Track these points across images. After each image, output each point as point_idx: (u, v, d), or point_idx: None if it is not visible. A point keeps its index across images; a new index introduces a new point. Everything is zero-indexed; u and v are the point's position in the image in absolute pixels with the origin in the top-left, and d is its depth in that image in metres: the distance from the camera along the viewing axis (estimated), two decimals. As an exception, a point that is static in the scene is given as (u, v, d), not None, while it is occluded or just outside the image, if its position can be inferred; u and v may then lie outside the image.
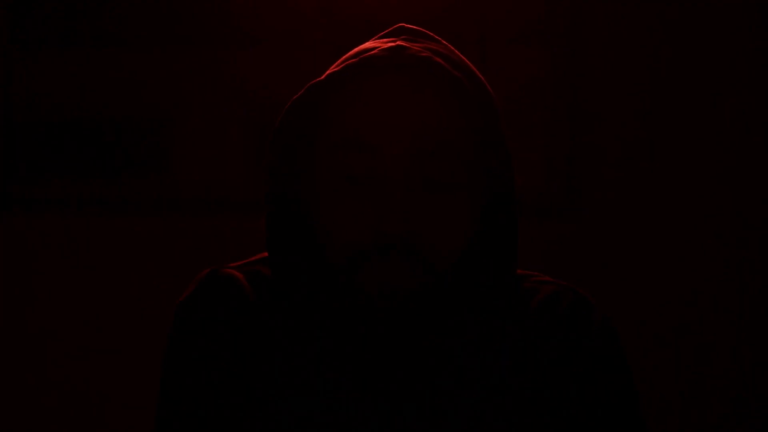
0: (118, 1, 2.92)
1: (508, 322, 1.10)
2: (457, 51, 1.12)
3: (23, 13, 2.91)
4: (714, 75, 2.75)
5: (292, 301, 1.09)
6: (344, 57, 1.12)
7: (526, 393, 1.06)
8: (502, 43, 2.85)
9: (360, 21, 2.81)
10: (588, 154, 2.76)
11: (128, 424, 2.69)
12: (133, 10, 2.91)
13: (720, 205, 2.73)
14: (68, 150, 2.91)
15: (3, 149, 2.86)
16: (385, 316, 1.04)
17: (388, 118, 1.04)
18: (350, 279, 1.04)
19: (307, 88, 1.09)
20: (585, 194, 2.75)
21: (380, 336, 1.05)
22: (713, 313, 2.73)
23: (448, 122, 1.06)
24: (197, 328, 1.09)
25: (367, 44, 1.11)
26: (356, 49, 1.11)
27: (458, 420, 1.04)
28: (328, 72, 1.10)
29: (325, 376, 1.05)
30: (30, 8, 2.91)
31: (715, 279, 2.74)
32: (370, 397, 1.04)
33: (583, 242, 2.73)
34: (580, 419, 1.07)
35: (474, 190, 1.07)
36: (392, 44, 1.08)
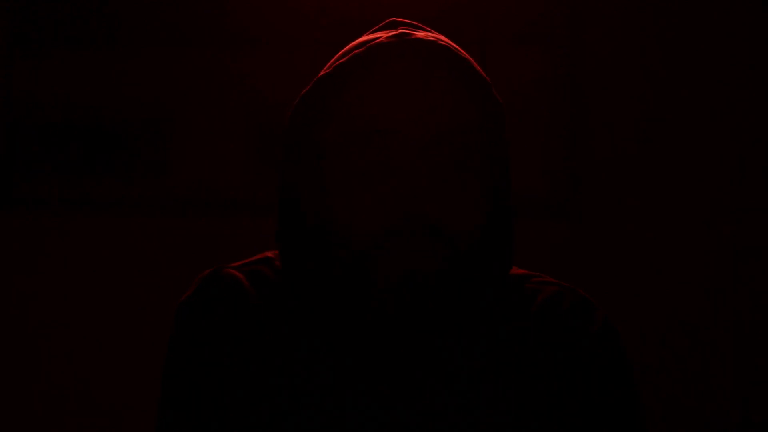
0: (118, 3, 2.92)
1: (510, 322, 1.10)
2: (449, 41, 1.13)
3: (25, 14, 2.91)
4: (714, 75, 2.75)
5: (299, 300, 1.09)
6: (346, 49, 1.11)
7: (528, 392, 1.06)
8: (502, 43, 2.85)
9: (359, 21, 2.81)
10: (588, 154, 2.76)
11: (129, 424, 2.69)
12: (132, 12, 2.91)
13: (720, 204, 2.73)
14: (69, 150, 2.91)
15: (4, 149, 2.86)
16: (402, 304, 1.03)
17: (402, 102, 1.05)
18: (371, 264, 1.03)
19: (315, 81, 1.09)
20: (585, 194, 2.75)
21: (389, 334, 1.05)
22: (713, 313, 2.73)
23: (460, 104, 1.06)
24: (198, 328, 1.09)
25: (366, 37, 1.11)
26: (357, 42, 1.11)
27: (464, 419, 1.04)
28: (333, 64, 1.10)
29: (330, 376, 1.05)
30: (31, 10, 2.92)
31: (715, 278, 2.74)
32: (376, 398, 1.04)
33: (582, 242, 2.73)
34: (582, 419, 1.07)
35: (483, 174, 1.07)
36: (395, 32, 1.08)
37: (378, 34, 1.10)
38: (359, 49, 1.08)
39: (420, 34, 1.08)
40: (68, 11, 2.92)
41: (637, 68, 2.76)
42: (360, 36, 1.14)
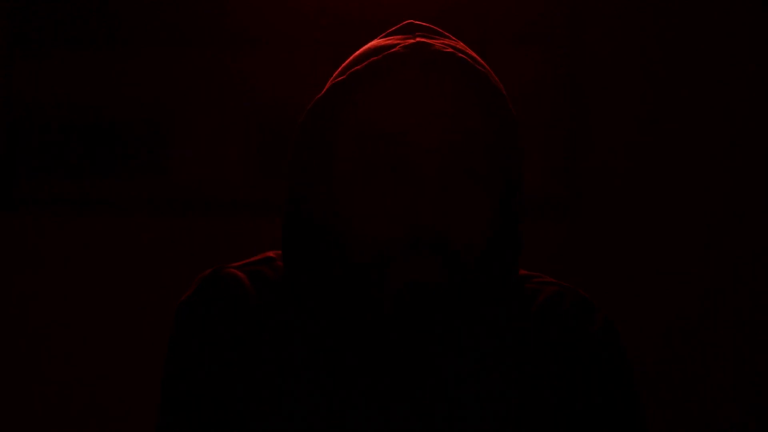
0: (119, 3, 2.92)
1: (511, 322, 1.10)
2: (467, 47, 1.13)
3: (25, 14, 2.91)
4: (714, 75, 2.75)
5: (300, 300, 1.09)
6: (361, 54, 1.11)
7: (528, 392, 1.06)
8: (502, 43, 2.84)
9: (359, 21, 2.81)
10: (588, 154, 2.76)
11: (129, 424, 2.69)
12: (133, 12, 2.91)
13: (720, 203, 2.73)
14: (70, 151, 2.91)
15: (4, 149, 2.86)
16: (406, 312, 1.03)
17: (411, 107, 1.04)
18: (377, 274, 1.02)
19: (329, 88, 1.09)
20: (585, 194, 2.75)
21: (389, 334, 1.05)
22: (713, 312, 2.73)
23: (468, 111, 1.06)
24: (198, 328, 1.09)
25: (381, 42, 1.11)
26: (371, 47, 1.10)
27: (464, 419, 1.04)
28: (348, 71, 1.10)
29: (330, 377, 1.05)
30: (32, 11, 2.91)
31: (715, 278, 2.74)
32: (376, 399, 1.04)
33: (582, 242, 2.73)
34: (582, 419, 1.07)
35: (493, 183, 1.07)
36: (412, 41, 1.08)
37: (394, 40, 1.09)
38: (375, 57, 1.07)
39: (438, 43, 1.07)
40: (68, 11, 2.92)
41: (637, 68, 2.76)
42: (363, 40, 1.14)
